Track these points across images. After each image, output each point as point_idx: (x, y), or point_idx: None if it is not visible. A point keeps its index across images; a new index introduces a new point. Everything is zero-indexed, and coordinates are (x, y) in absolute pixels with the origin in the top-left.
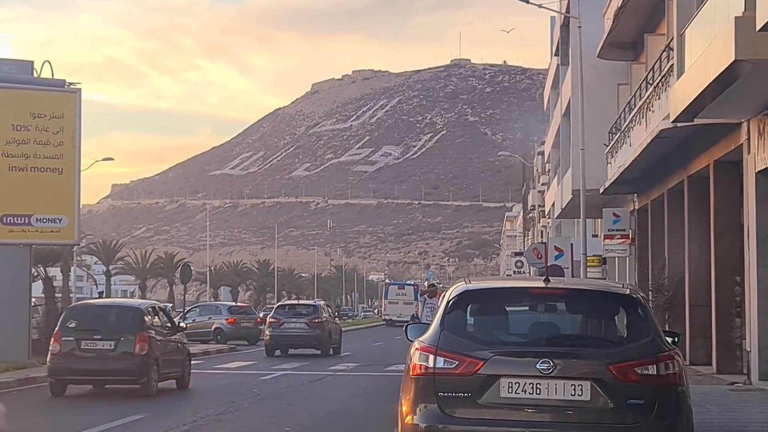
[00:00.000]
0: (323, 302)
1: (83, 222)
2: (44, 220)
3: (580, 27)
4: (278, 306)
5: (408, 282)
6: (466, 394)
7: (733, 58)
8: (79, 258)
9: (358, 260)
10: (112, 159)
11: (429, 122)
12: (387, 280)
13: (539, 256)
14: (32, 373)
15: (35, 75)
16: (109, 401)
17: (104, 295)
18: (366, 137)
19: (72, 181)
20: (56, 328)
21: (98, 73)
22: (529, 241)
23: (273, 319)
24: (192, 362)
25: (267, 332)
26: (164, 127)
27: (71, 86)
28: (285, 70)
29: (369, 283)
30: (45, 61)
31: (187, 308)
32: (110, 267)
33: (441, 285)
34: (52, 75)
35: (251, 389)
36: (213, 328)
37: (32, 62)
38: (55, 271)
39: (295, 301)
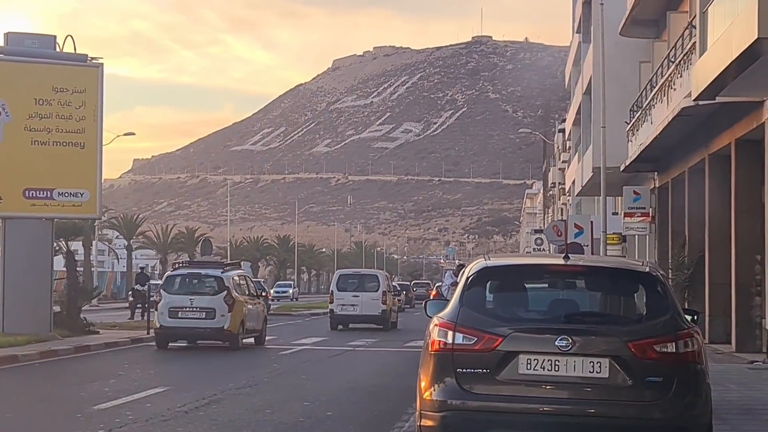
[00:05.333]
0: None
1: (105, 196)
2: (66, 194)
3: (602, 4)
4: None
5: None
6: (484, 371)
7: (756, 36)
8: (100, 232)
9: (378, 236)
10: (133, 134)
11: (450, 99)
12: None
13: (559, 233)
14: (54, 346)
15: (58, 50)
16: (131, 376)
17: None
18: (387, 114)
19: (94, 156)
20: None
21: (122, 48)
22: (549, 218)
23: None
24: None
25: None
26: (187, 102)
27: (93, 61)
28: (308, 46)
29: (389, 259)
30: (67, 36)
31: None
32: (131, 241)
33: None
34: (75, 49)
35: (271, 364)
36: None
37: (55, 37)
38: (76, 245)
39: None
